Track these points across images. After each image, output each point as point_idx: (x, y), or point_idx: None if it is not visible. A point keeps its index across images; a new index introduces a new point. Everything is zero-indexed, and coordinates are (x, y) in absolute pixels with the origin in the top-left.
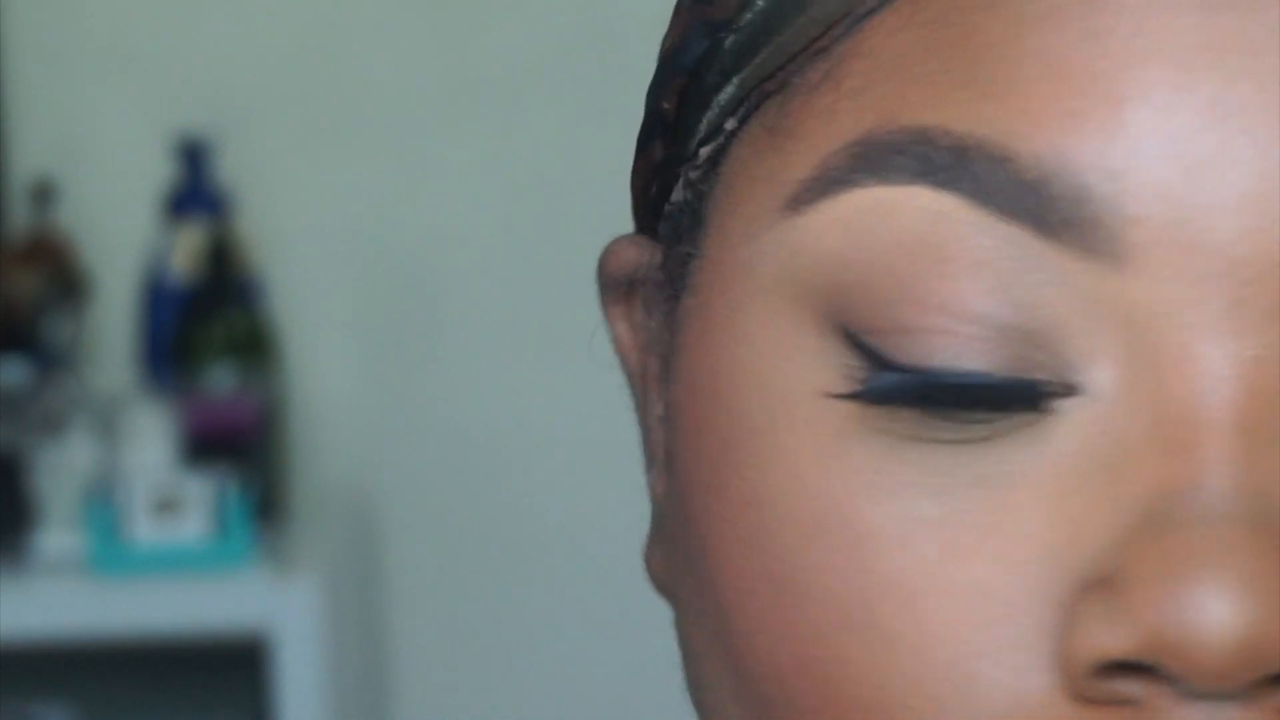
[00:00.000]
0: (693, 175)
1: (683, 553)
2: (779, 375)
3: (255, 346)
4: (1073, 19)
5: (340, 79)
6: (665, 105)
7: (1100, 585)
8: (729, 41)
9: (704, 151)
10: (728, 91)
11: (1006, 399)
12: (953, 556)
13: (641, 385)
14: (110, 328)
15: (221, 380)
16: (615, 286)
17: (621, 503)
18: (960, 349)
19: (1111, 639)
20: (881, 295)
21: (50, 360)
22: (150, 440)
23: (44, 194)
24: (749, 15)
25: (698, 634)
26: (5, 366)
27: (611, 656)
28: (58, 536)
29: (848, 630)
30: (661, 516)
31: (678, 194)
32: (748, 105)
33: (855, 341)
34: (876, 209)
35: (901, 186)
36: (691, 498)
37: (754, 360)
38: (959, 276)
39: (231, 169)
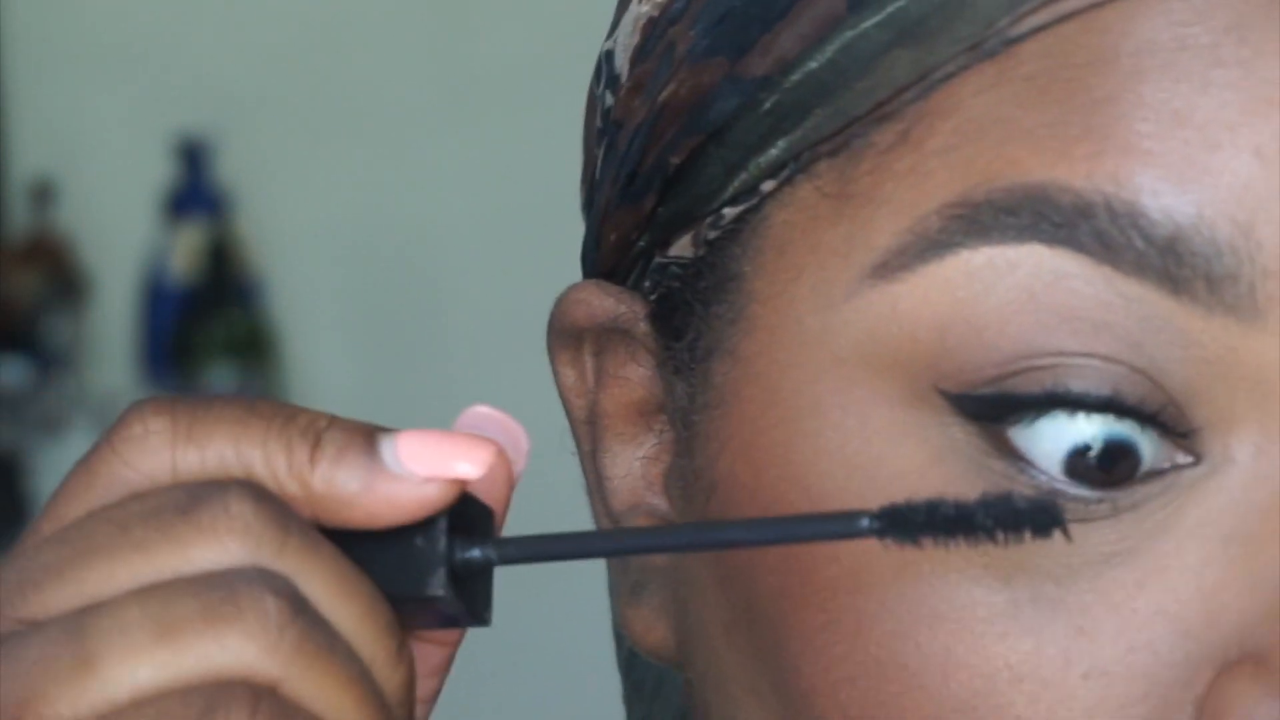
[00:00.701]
0: (711, 235)
1: (723, 629)
2: (869, 450)
3: (255, 346)
4: (1192, 71)
5: (340, 79)
6: (672, 160)
7: (1247, 664)
8: (770, 102)
9: (729, 211)
10: (770, 154)
11: (1137, 419)
12: (1083, 639)
13: (589, 431)
14: (110, 328)
15: (221, 380)
16: (569, 333)
17: None
18: (1092, 377)
19: (1265, 718)
20: (995, 356)
21: (50, 360)
22: None
23: (44, 194)
24: (796, 76)
25: (752, 710)
26: (5, 366)
27: (611, 659)
28: None
29: (969, 717)
30: (645, 577)
31: (682, 248)
32: (793, 167)
33: (964, 399)
34: (987, 270)
35: (1013, 246)
36: (756, 578)
37: (836, 434)
38: (1085, 333)
39: (231, 169)
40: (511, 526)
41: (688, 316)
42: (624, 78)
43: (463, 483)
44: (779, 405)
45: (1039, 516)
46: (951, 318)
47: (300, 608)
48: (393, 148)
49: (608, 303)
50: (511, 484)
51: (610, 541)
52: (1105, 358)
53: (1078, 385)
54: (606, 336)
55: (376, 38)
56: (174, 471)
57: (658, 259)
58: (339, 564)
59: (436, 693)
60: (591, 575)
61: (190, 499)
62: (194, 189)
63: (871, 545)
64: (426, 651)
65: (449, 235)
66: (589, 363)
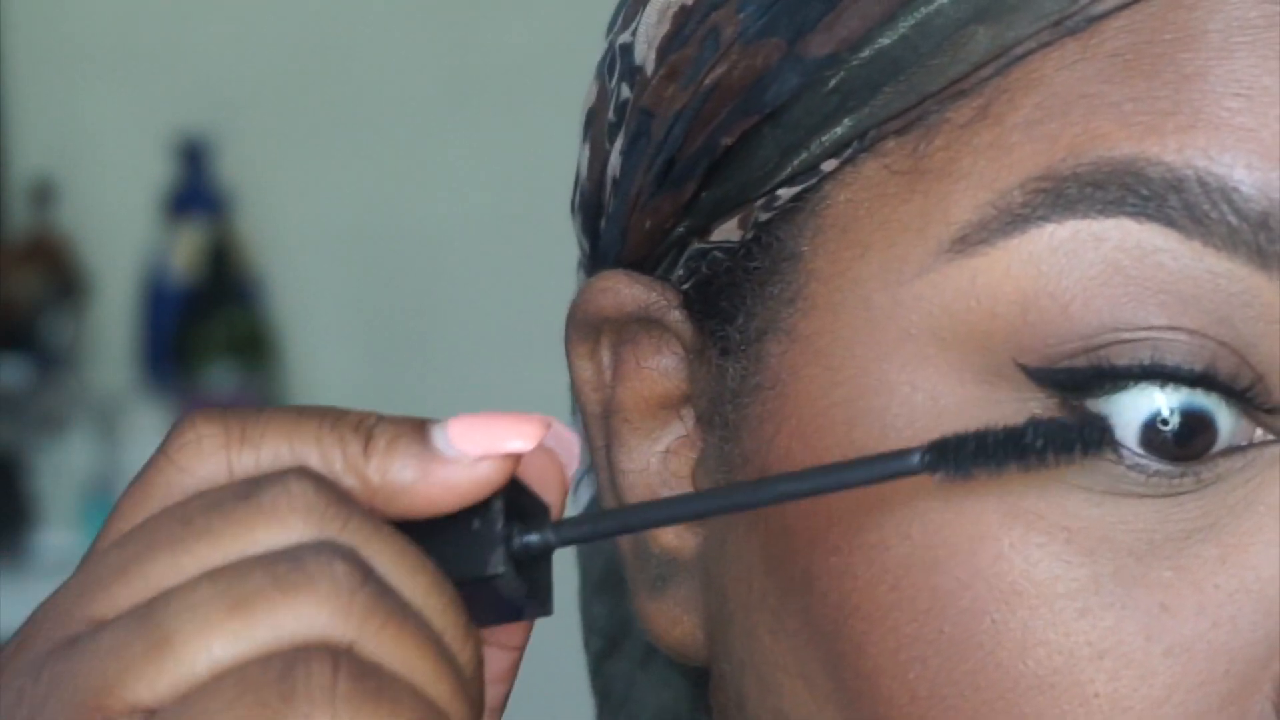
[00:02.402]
0: (763, 216)
1: (770, 614)
2: (942, 427)
3: (255, 346)
4: (1276, 45)
5: (340, 79)
6: (724, 142)
7: None
8: (835, 80)
9: (784, 192)
10: (835, 133)
11: (1225, 394)
12: (1165, 615)
13: (603, 427)
14: (110, 328)
15: (221, 380)
16: (589, 324)
17: None
18: (1184, 353)
19: None
20: (1080, 328)
21: (50, 360)
22: (150, 440)
23: (44, 194)
24: (866, 54)
25: (801, 696)
26: (5, 366)
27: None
28: (58, 536)
29: (1047, 695)
30: (668, 571)
31: (728, 233)
32: (858, 145)
33: (1046, 373)
34: (1072, 244)
35: (1100, 219)
36: (815, 560)
37: (904, 411)
38: (1172, 307)
39: (231, 169)
40: None
41: (736, 298)
42: (650, 68)
43: (516, 458)
44: (842, 384)
45: (1089, 433)
46: (1035, 291)
47: (368, 574)
48: (393, 148)
49: (637, 291)
50: (565, 486)
51: (665, 510)
52: (1193, 332)
53: (1172, 359)
54: (630, 328)
55: (377, 37)
56: (230, 472)
57: (696, 245)
58: (402, 540)
59: (504, 700)
60: (560, 581)
61: (250, 486)
62: (194, 189)
63: (943, 522)
64: (493, 656)
65: (449, 235)
66: (606, 356)
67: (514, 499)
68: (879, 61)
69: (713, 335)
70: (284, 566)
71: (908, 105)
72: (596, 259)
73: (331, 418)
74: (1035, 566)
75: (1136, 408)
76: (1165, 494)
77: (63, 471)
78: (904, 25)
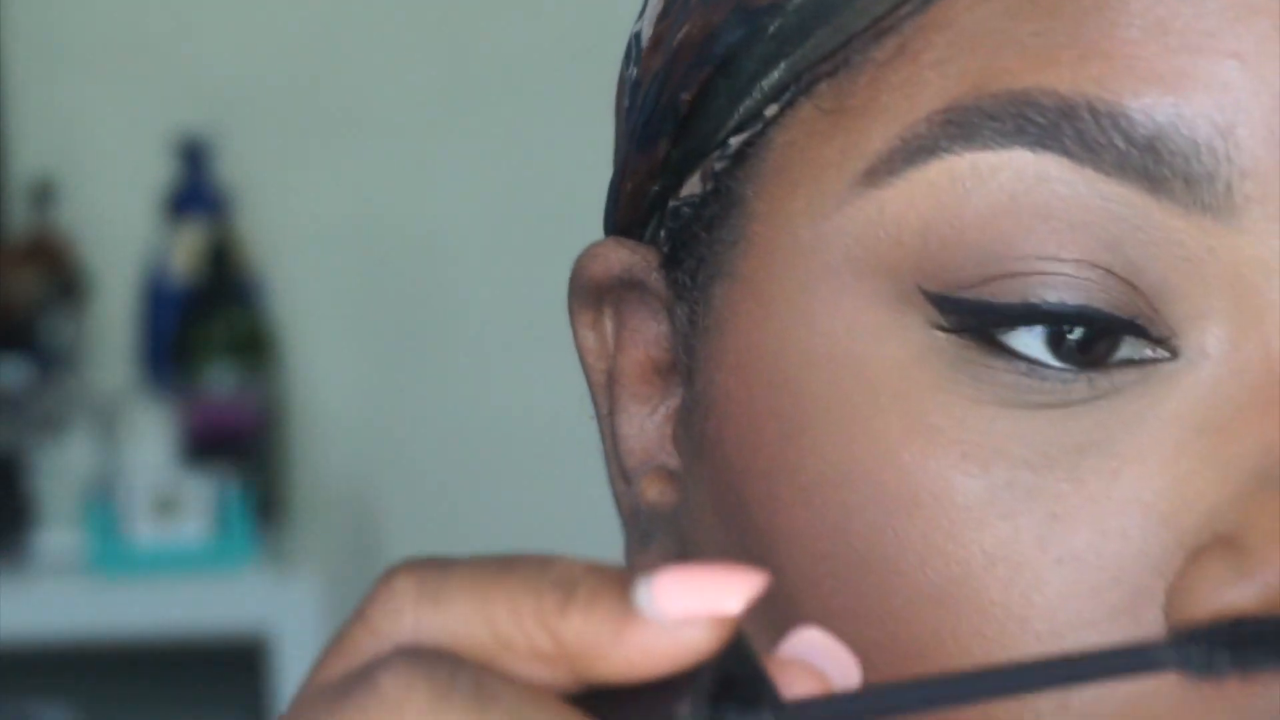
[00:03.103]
0: (718, 166)
1: (719, 552)
2: (855, 351)
3: (255, 346)
4: None
5: (340, 79)
6: (683, 98)
7: (1218, 546)
8: (774, 26)
9: (735, 141)
10: (773, 77)
11: (1111, 330)
12: (1058, 525)
13: (606, 394)
14: (110, 328)
15: (221, 380)
16: (587, 292)
17: None
18: (1064, 286)
19: (1236, 598)
20: (976, 256)
21: (50, 360)
22: (150, 440)
23: (44, 194)
24: (798, 0)
25: (749, 629)
26: (5, 366)
27: None
28: (58, 536)
29: (945, 605)
30: (653, 526)
31: (692, 187)
32: (794, 89)
33: (945, 299)
34: (971, 174)
35: (997, 150)
36: (746, 486)
37: (824, 339)
38: (1061, 232)
39: (231, 169)
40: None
41: (693, 248)
42: (647, 45)
43: (728, 623)
44: (772, 318)
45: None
46: (935, 220)
47: None
48: (393, 147)
49: (622, 254)
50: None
51: (907, 694)
52: (1079, 262)
53: (1053, 295)
54: (624, 293)
55: (377, 38)
56: (415, 634)
57: (671, 205)
58: (520, 710)
59: None
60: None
61: (345, 684)
62: (194, 189)
63: (851, 438)
64: None
65: (449, 235)
66: (609, 325)
67: (734, 671)
68: (811, 6)
69: (675, 286)
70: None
71: (836, 46)
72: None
73: (534, 570)
74: (933, 479)
75: (1037, 329)
76: (1060, 403)
77: (63, 471)
78: None
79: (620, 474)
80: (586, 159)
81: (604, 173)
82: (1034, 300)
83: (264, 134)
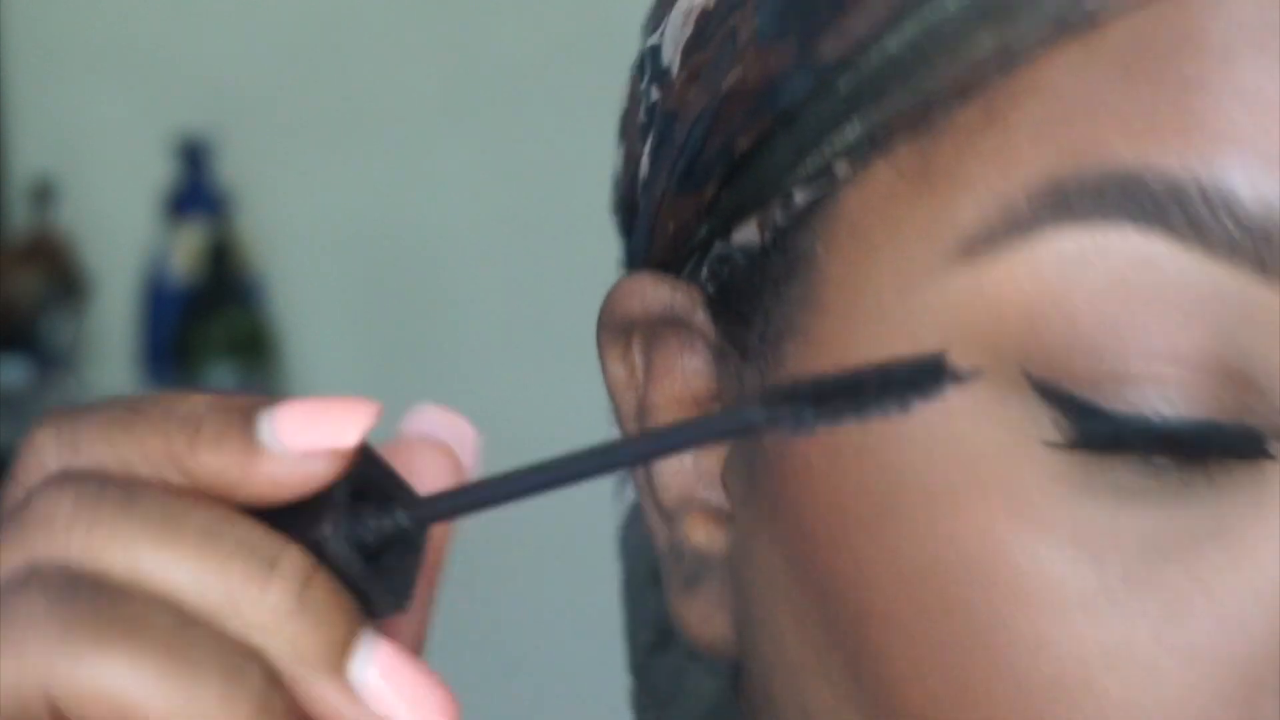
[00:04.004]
0: (780, 219)
1: (793, 617)
2: (953, 430)
3: (255, 346)
4: (1278, 52)
5: (340, 79)
6: (740, 144)
7: None
8: (845, 83)
9: (800, 195)
10: (845, 135)
11: (1230, 445)
12: (1175, 619)
13: (638, 427)
14: (110, 328)
15: (221, 380)
16: (619, 326)
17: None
18: (1177, 394)
19: None
20: (1083, 342)
21: (50, 360)
22: None
23: (44, 194)
24: (874, 57)
25: (824, 697)
26: (5, 366)
27: (614, 659)
28: None
29: (1060, 700)
30: (700, 568)
31: (747, 235)
32: (868, 147)
33: (1051, 391)
34: (1076, 253)
35: (1102, 229)
36: (834, 560)
37: (917, 416)
38: (1172, 320)
39: (231, 169)
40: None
41: (755, 301)
42: (675, 71)
43: (346, 453)
44: None
45: (925, 375)
46: (1040, 301)
47: (71, 590)
48: (394, 148)
49: (662, 292)
50: (461, 476)
51: (527, 480)
52: (1193, 364)
53: (1167, 408)
54: (659, 329)
55: (378, 37)
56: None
57: (718, 248)
58: (162, 511)
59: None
60: (601, 575)
61: (20, 501)
62: (194, 189)
63: (955, 528)
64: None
65: (450, 235)
66: (638, 358)
67: (368, 477)
68: (887, 64)
69: (733, 339)
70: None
71: (914, 107)
72: (628, 260)
73: (160, 411)
74: (1045, 571)
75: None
76: (1176, 495)
77: None
78: (910, 28)
79: (656, 508)
80: (587, 160)
81: (604, 174)
82: (1148, 414)
83: (264, 134)
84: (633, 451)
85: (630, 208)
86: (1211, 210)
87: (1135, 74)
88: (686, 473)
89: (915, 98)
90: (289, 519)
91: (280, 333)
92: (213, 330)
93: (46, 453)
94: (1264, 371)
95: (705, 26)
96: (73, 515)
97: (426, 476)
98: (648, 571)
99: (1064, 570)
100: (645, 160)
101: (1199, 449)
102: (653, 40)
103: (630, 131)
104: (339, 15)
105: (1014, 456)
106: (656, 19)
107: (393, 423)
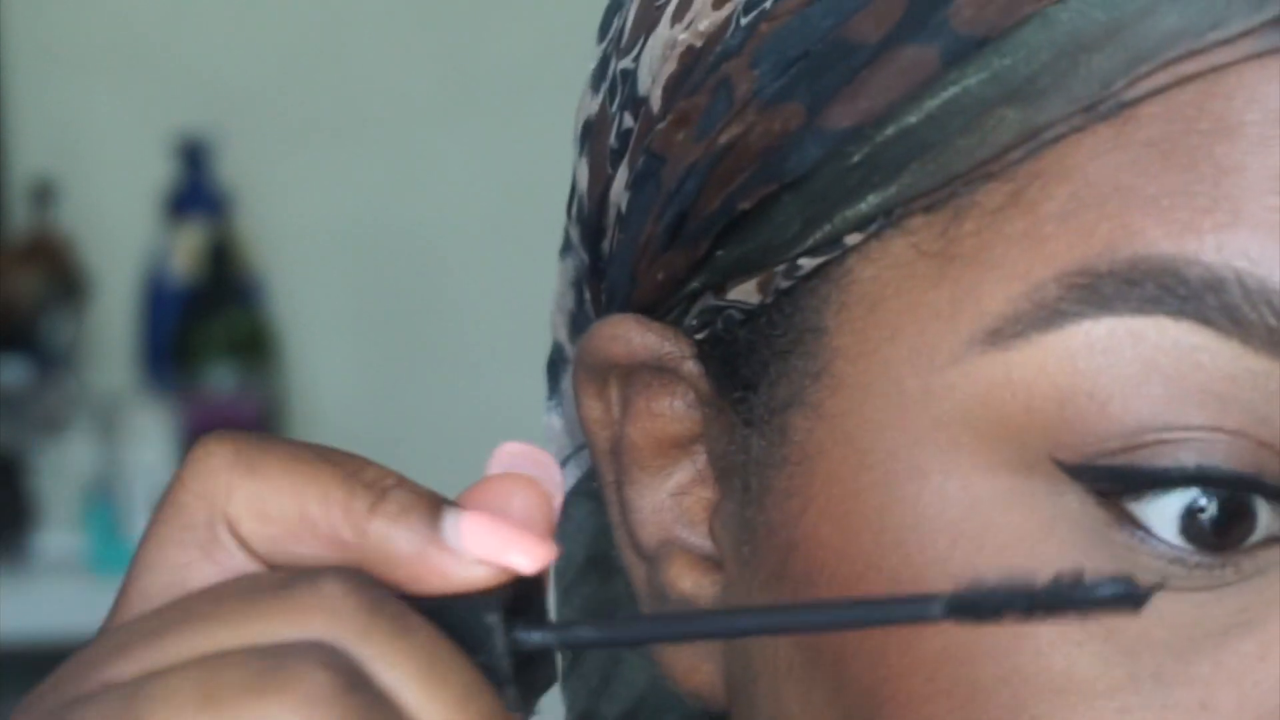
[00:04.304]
0: (784, 284)
1: (799, 681)
2: (976, 518)
3: (255, 346)
4: None
5: (340, 79)
6: (739, 205)
7: None
8: (859, 154)
9: (806, 262)
10: (859, 208)
11: (1272, 496)
12: (1205, 713)
13: (613, 462)
14: (110, 328)
15: (221, 380)
16: (599, 368)
17: None
18: (1216, 450)
19: None
20: (1116, 428)
21: (50, 360)
22: (150, 440)
23: (44, 194)
24: (890, 131)
25: None
26: (5, 366)
27: None
28: (58, 536)
29: None
30: None
31: (745, 294)
32: (883, 221)
33: (1084, 469)
34: (1108, 341)
35: (1137, 317)
36: (847, 640)
37: (938, 500)
38: (1209, 407)
39: (231, 169)
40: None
41: (758, 366)
42: (657, 105)
43: (514, 573)
44: (873, 468)
45: (1117, 598)
46: (1072, 389)
47: (355, 684)
48: (394, 147)
49: (649, 339)
50: (553, 521)
51: (678, 626)
52: (1234, 432)
53: (1216, 460)
54: (638, 371)
55: (377, 37)
56: (229, 495)
57: (712, 300)
58: (433, 651)
59: None
60: None
61: (290, 578)
62: (194, 189)
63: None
64: None
65: (450, 235)
66: (615, 395)
67: (520, 590)
68: (905, 139)
69: (732, 401)
70: (265, 664)
71: (935, 185)
72: (600, 281)
73: (349, 467)
74: (1074, 664)
75: (1173, 499)
76: (1205, 587)
77: (63, 471)
78: (930, 104)
79: (631, 545)
80: None
81: None
82: (1198, 466)
83: (264, 134)
84: (804, 620)
85: (595, 228)
86: (1250, 302)
87: (1168, 160)
88: (665, 513)
89: (936, 176)
90: (448, 607)
91: (280, 333)
92: (213, 330)
93: (219, 468)
94: None
95: (692, 67)
96: (359, 614)
97: (516, 510)
98: (585, 558)
99: (1094, 665)
100: (622, 191)
101: (1239, 503)
102: (624, 63)
103: (597, 149)
104: (339, 15)
105: (1038, 545)
106: (629, 42)
107: (393, 423)
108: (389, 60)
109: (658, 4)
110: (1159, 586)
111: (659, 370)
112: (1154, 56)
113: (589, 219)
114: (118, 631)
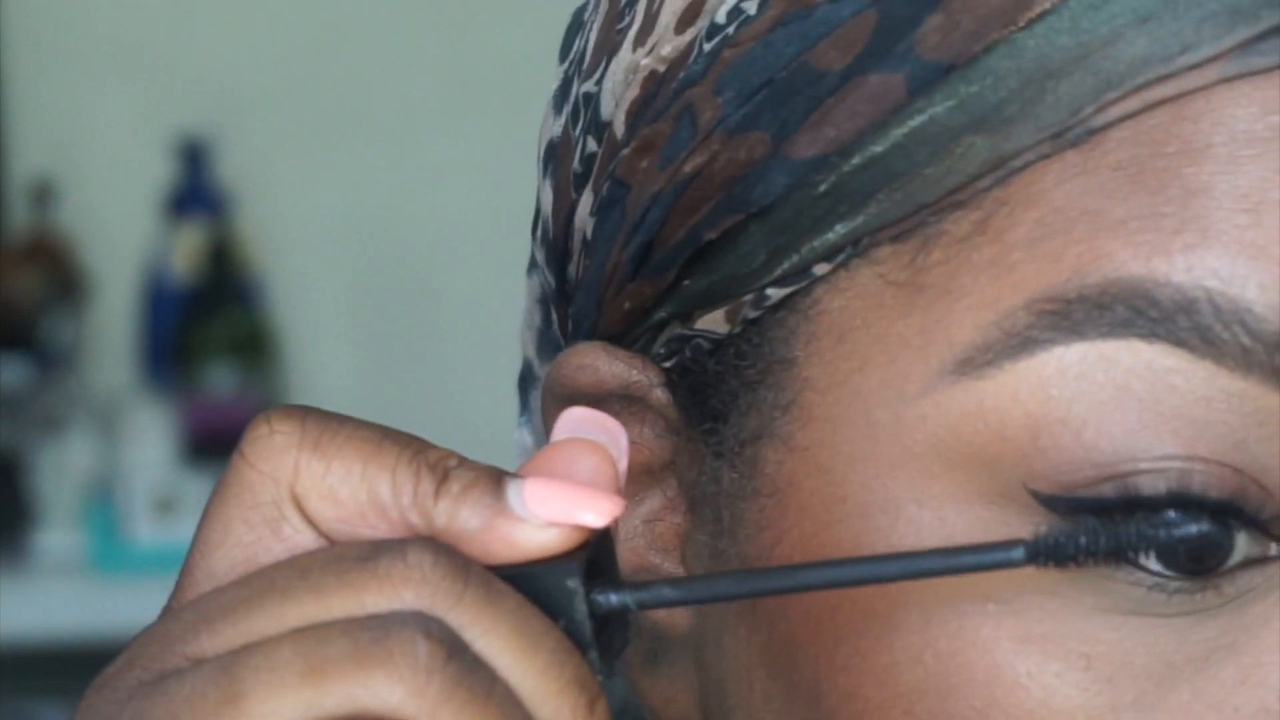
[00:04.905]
0: (751, 314)
1: (775, 713)
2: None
3: (255, 346)
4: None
5: (340, 79)
6: (705, 235)
7: None
8: (825, 184)
9: (774, 293)
10: (826, 238)
11: (1252, 523)
12: None
13: None
14: (110, 328)
15: (221, 380)
16: (567, 397)
17: None
18: (1193, 480)
19: None
20: (1090, 455)
21: (50, 360)
22: (150, 440)
23: (44, 194)
24: (857, 160)
25: None
26: (5, 366)
27: None
28: (58, 536)
29: None
30: (660, 647)
31: (712, 323)
32: (850, 252)
33: (1059, 500)
34: (1080, 366)
35: (1108, 342)
36: (822, 675)
37: (911, 531)
38: (1184, 431)
39: (231, 169)
40: None
41: (727, 397)
42: (621, 131)
43: (586, 530)
44: (846, 500)
45: (1201, 535)
46: (1046, 417)
47: (455, 653)
48: (394, 147)
49: (617, 368)
50: (618, 481)
51: (754, 581)
52: (1209, 460)
53: (1195, 488)
54: (607, 399)
55: (377, 37)
56: (296, 474)
57: (679, 330)
58: (522, 617)
59: None
60: None
61: (373, 549)
62: (194, 189)
63: (957, 649)
64: None
65: (450, 235)
66: None
67: (595, 555)
68: (871, 168)
69: (702, 431)
70: (367, 636)
71: (903, 214)
72: (567, 305)
73: (413, 449)
74: (1053, 695)
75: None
76: (1186, 612)
77: (63, 471)
78: (897, 132)
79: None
80: None
81: None
82: (1177, 491)
83: (264, 134)
84: (880, 571)
85: (561, 250)
86: (1223, 322)
87: (1136, 183)
88: (638, 539)
89: (904, 205)
90: (524, 574)
91: (280, 333)
92: (213, 330)
93: (286, 446)
94: (1276, 481)
95: (655, 93)
96: (445, 688)
97: (582, 473)
98: None
99: (1073, 695)
100: (587, 216)
101: (1220, 526)
102: (587, 86)
103: (561, 173)
104: (339, 15)
105: (1015, 575)
106: (591, 65)
107: (393, 422)
108: (389, 60)
109: (619, 27)
110: (1235, 531)
111: (627, 399)
112: (1123, 82)
113: (554, 242)
114: (194, 606)
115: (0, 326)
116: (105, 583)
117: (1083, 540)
